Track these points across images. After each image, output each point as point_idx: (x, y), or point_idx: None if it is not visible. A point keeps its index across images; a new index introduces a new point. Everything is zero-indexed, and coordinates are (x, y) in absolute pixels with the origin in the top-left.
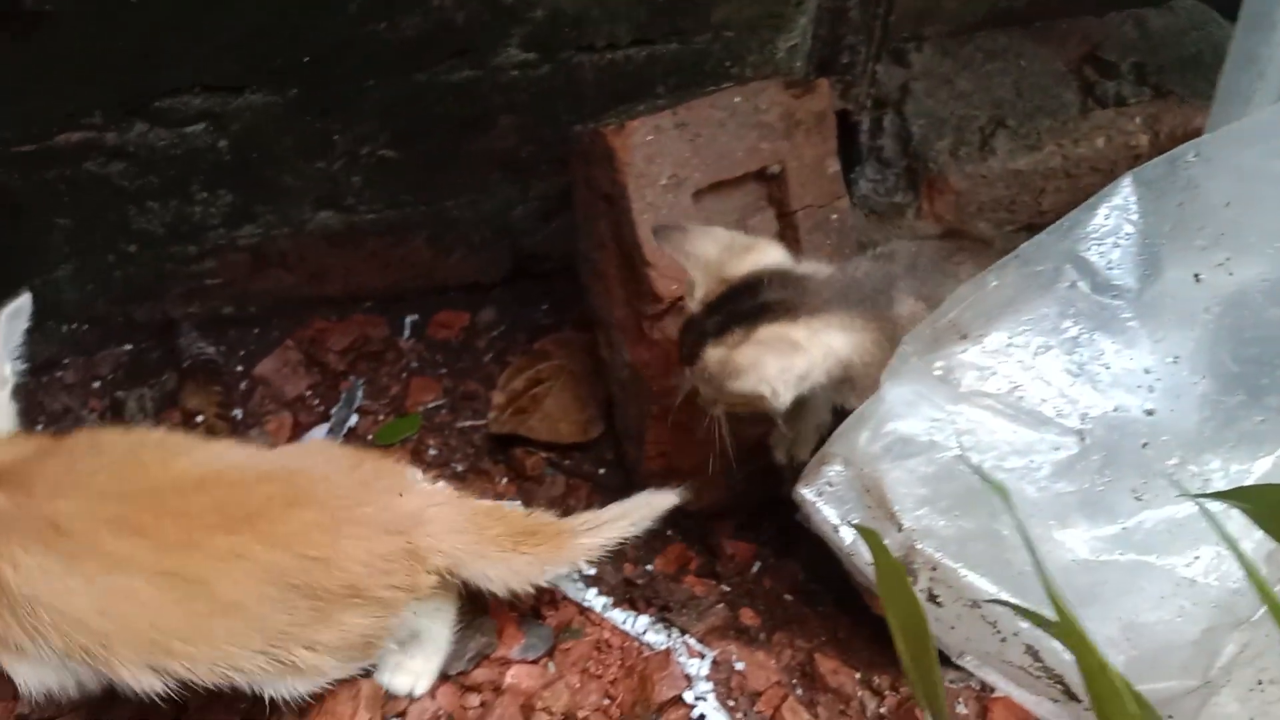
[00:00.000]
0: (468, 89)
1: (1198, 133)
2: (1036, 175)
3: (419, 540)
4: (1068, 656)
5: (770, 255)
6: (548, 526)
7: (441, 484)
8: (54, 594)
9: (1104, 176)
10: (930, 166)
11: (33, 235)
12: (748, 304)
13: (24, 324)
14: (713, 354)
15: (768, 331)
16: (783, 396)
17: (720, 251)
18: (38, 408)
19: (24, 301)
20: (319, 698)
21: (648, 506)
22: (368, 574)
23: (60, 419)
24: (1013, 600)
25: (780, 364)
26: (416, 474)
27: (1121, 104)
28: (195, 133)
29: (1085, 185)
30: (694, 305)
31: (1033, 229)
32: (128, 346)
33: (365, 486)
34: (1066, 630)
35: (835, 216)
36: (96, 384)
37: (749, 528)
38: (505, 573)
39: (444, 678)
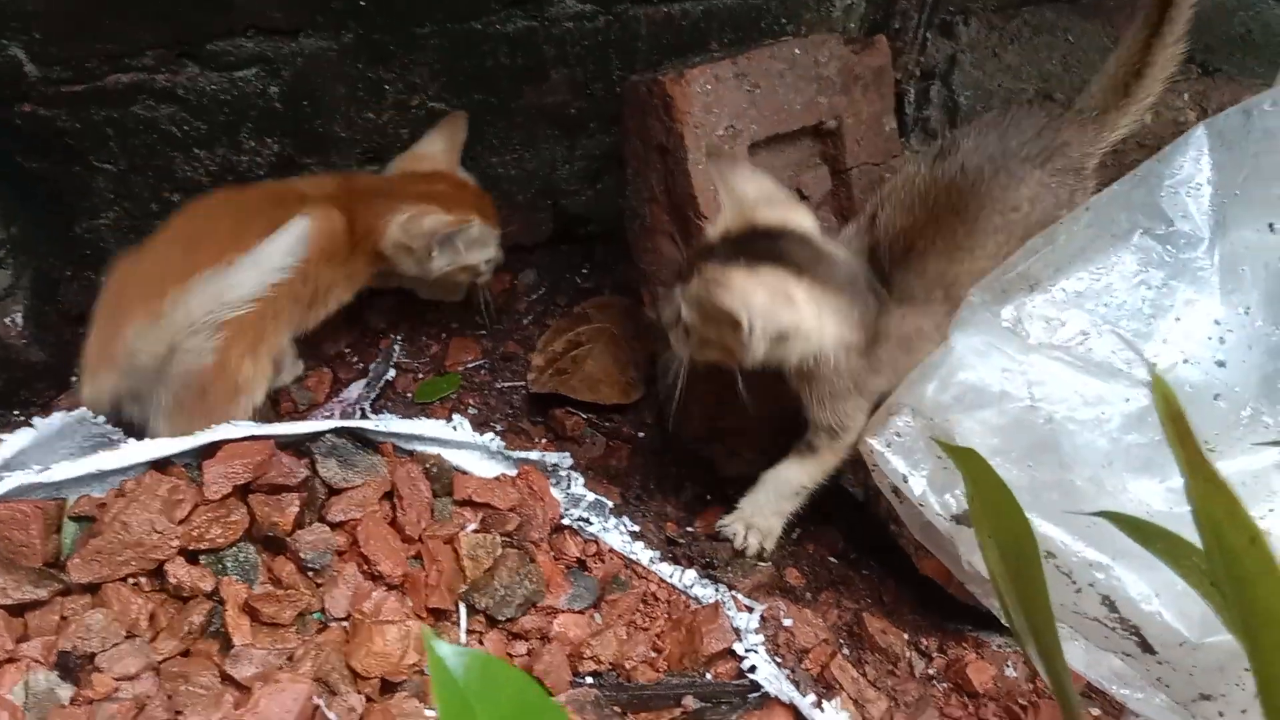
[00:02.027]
0: (522, 40)
1: None
2: None
3: None
4: (1147, 607)
5: (804, 219)
6: None
7: None
8: None
9: (1150, 152)
10: None
11: (79, 179)
12: (764, 246)
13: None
14: (711, 269)
15: (771, 273)
16: (755, 339)
17: (759, 196)
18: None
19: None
20: (366, 634)
21: None
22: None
23: None
24: (1084, 549)
25: (769, 303)
26: None
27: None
28: (247, 78)
29: (1132, 160)
30: (712, 232)
31: None
32: None
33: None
34: (1206, 496)
35: (890, 176)
36: None
37: None
38: None
39: (491, 623)
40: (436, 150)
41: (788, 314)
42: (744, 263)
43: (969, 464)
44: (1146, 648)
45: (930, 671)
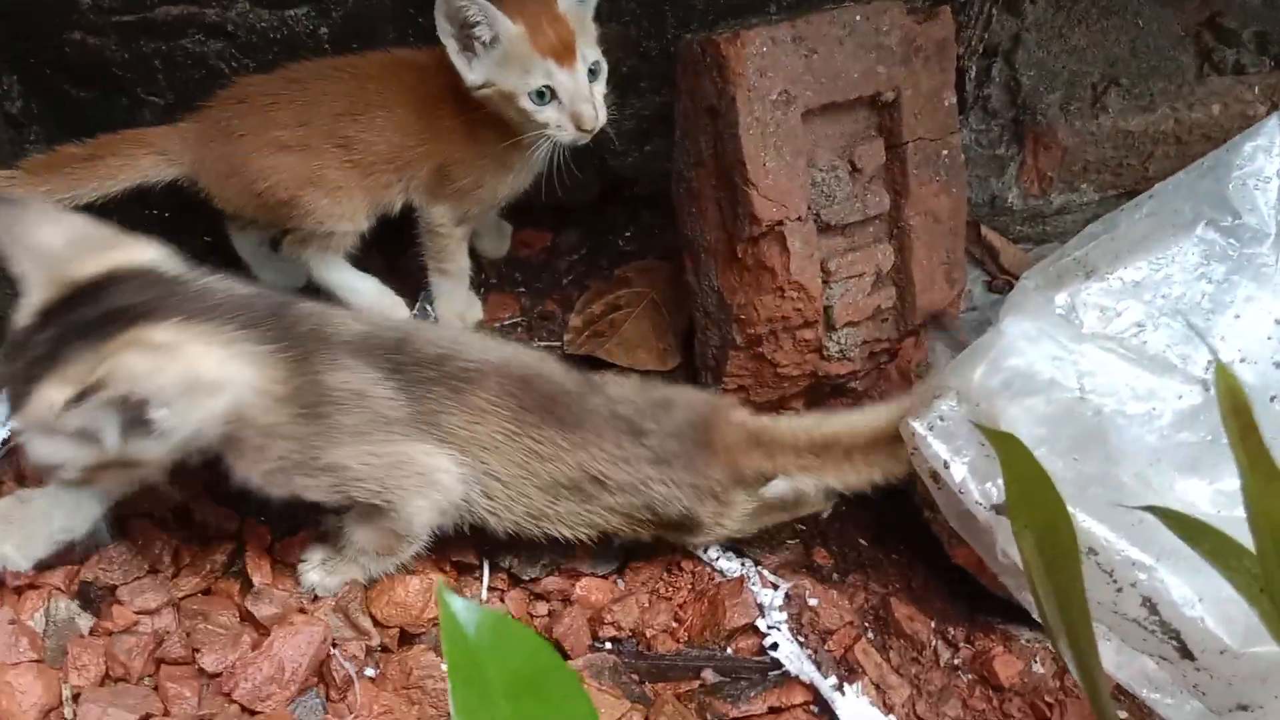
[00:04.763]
0: None
1: None
2: (1146, 138)
3: None
4: (1190, 612)
5: (142, 252)
6: None
7: None
8: None
9: (1215, 145)
10: (1039, 120)
11: (124, 112)
12: (99, 314)
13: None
14: (41, 386)
15: (129, 345)
16: (159, 438)
17: (71, 242)
18: None
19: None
20: (388, 582)
21: None
22: None
23: None
24: (1127, 548)
25: (150, 378)
26: None
27: (1240, 72)
28: (297, 16)
29: (1196, 153)
30: (23, 315)
31: (1135, 195)
32: (207, 238)
33: None
34: (1267, 495)
35: (946, 153)
36: None
37: None
38: None
39: (514, 582)
40: None
41: (176, 366)
42: (80, 349)
43: (1008, 449)
44: (1186, 653)
45: (956, 662)
